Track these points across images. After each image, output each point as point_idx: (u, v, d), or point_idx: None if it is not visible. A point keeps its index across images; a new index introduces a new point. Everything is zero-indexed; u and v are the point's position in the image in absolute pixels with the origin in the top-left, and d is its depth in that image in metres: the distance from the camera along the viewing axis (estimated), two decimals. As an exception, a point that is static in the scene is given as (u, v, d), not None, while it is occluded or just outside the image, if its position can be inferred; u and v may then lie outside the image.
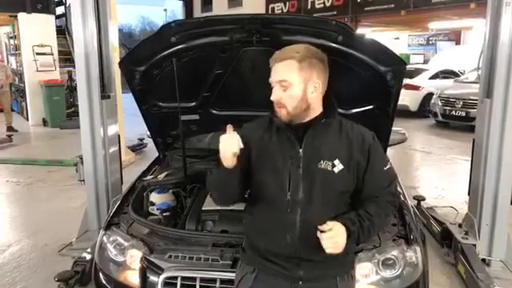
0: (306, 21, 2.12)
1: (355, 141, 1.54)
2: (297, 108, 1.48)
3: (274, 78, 1.49)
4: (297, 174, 1.49)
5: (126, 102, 6.04)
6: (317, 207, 1.48)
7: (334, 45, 2.01)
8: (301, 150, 1.50)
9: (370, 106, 2.40)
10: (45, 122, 10.03)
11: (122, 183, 3.68)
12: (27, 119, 10.44)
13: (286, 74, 1.46)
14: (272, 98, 1.48)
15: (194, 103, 2.65)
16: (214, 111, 2.73)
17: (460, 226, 3.36)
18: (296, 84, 1.46)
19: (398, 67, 2.07)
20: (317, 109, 1.54)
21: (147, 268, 1.87)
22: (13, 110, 10.19)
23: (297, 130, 1.52)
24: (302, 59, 1.47)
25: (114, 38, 3.67)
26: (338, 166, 1.49)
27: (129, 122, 6.26)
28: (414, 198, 4.07)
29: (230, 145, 1.40)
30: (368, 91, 2.28)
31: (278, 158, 1.52)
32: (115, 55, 3.75)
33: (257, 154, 1.55)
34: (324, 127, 1.54)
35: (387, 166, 1.60)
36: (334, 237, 1.39)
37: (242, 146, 1.41)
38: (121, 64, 2.35)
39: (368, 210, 1.51)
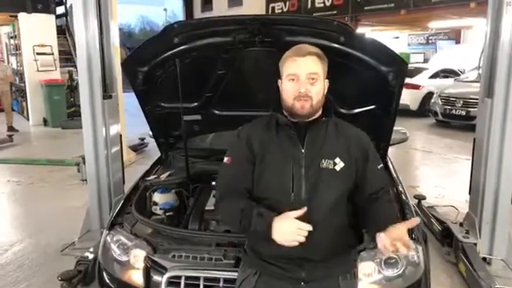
0: (308, 21, 2.13)
1: (352, 140, 1.57)
2: (319, 102, 1.51)
3: (301, 71, 1.47)
4: (299, 173, 1.50)
5: (126, 102, 6.07)
6: (318, 207, 1.49)
7: (336, 45, 2.03)
8: (303, 150, 1.51)
9: (372, 106, 2.41)
10: (45, 122, 10.02)
11: (123, 183, 3.69)
12: (28, 119, 10.43)
13: (314, 66, 1.49)
14: (302, 90, 1.47)
15: (196, 103, 2.65)
16: (217, 111, 2.73)
17: (461, 224, 3.37)
18: (321, 78, 1.50)
19: (400, 67, 2.09)
20: (320, 108, 1.56)
21: (151, 267, 1.88)
22: (13, 110, 10.18)
23: (299, 129, 1.53)
24: (323, 57, 1.52)
25: (115, 38, 3.68)
26: (339, 164, 1.51)
27: (129, 121, 6.26)
28: (414, 197, 4.08)
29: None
30: (370, 91, 2.30)
31: (280, 158, 1.52)
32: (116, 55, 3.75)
33: (258, 156, 1.55)
34: (323, 126, 1.56)
35: (380, 165, 1.64)
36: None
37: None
38: (124, 64, 2.36)
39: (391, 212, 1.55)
